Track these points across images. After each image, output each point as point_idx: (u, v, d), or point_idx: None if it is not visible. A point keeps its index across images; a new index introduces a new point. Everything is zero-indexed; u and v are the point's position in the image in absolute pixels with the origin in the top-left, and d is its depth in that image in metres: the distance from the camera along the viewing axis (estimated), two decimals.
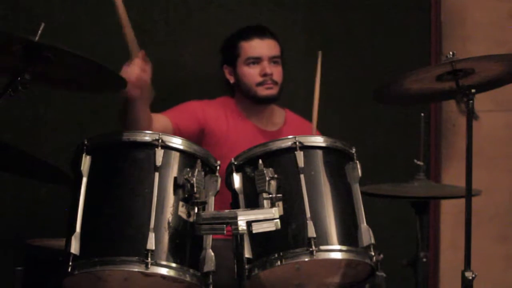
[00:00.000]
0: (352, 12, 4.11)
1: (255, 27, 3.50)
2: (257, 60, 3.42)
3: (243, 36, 3.46)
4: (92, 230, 2.57)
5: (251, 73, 3.43)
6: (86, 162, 2.63)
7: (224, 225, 2.41)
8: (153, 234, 2.53)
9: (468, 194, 2.85)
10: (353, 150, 2.81)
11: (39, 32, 2.52)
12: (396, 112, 4.07)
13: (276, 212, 2.45)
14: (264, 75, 3.41)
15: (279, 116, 3.53)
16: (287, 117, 3.55)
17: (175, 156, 2.67)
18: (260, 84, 3.42)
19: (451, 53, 2.88)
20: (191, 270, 2.58)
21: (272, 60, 3.43)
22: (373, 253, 2.68)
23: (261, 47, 3.43)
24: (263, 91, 3.42)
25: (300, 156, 2.71)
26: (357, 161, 2.79)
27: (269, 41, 3.45)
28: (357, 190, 2.76)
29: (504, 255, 4.27)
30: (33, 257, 3.15)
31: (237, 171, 2.74)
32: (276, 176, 2.67)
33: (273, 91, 3.43)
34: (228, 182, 2.75)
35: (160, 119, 3.27)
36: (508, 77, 3.03)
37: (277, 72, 3.43)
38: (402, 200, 3.34)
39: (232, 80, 3.50)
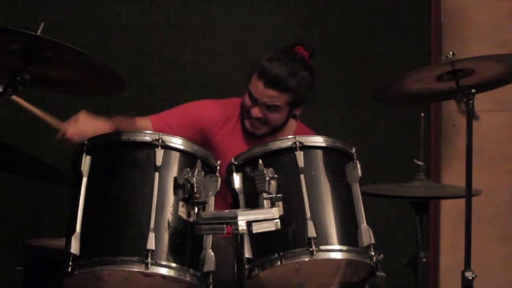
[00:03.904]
0: (352, 12, 4.11)
1: (271, 75, 3.21)
2: (254, 98, 3.27)
3: (259, 70, 3.24)
4: (92, 230, 2.57)
5: (247, 103, 3.29)
6: (86, 162, 2.63)
7: (224, 225, 2.41)
8: (153, 234, 2.52)
9: (468, 194, 2.84)
10: (353, 150, 2.81)
11: (39, 31, 2.52)
12: (396, 112, 4.07)
13: (276, 212, 2.44)
14: (250, 115, 3.28)
15: (289, 126, 3.40)
16: (297, 128, 3.43)
17: (175, 156, 2.67)
18: (247, 116, 3.31)
19: (451, 53, 2.88)
20: (191, 270, 2.58)
21: (266, 106, 3.25)
22: (373, 253, 2.67)
23: (260, 92, 3.23)
24: (247, 124, 3.32)
25: (300, 156, 2.70)
26: (357, 161, 2.78)
27: (272, 92, 3.22)
28: (357, 190, 2.75)
29: (504, 255, 4.27)
30: (33, 257, 3.15)
31: (237, 171, 2.74)
32: (276, 176, 2.67)
33: (259, 130, 3.31)
34: (228, 182, 2.75)
35: (139, 123, 3.29)
36: (508, 77, 3.03)
37: (271, 117, 3.27)
38: (402, 200, 3.34)
39: None
